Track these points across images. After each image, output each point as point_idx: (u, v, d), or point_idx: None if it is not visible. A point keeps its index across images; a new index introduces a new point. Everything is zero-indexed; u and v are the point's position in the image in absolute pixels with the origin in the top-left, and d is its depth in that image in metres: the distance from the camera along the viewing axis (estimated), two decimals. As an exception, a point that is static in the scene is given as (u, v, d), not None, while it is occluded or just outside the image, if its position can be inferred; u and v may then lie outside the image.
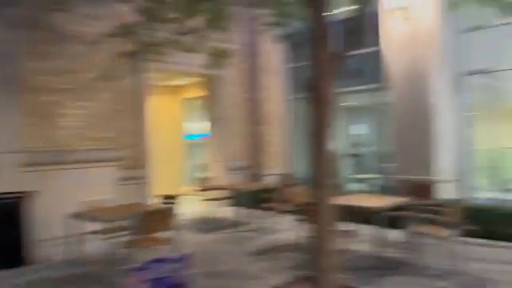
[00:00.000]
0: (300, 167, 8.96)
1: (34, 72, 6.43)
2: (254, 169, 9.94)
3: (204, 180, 8.71)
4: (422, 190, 6.31)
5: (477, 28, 6.78)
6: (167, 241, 4.91)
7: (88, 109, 6.99)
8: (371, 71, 8.02)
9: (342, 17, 6.27)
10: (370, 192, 7.69)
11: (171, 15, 4.71)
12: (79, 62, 6.83)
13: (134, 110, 7.70)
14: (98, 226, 5.20)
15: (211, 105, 9.97)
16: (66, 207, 5.97)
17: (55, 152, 6.58)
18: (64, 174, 6.61)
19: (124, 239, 5.00)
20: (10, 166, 6.03)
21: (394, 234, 5.80)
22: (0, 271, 5.18)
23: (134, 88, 7.69)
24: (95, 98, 7.07)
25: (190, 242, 6.15)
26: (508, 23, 6.31)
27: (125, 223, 5.16)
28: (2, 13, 6.00)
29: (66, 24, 6.67)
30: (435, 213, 4.99)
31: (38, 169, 6.31)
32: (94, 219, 5.00)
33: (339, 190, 5.94)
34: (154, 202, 7.17)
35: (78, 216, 5.19)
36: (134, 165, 7.63)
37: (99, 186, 6.75)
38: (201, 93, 10.64)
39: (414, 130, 7.21)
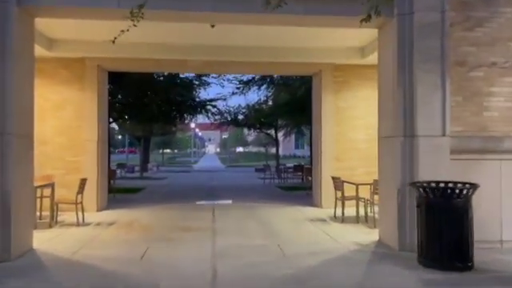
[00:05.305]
0: None
1: (461, 43, 5.48)
2: None
3: None
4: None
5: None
6: None
7: (519, 86, 5.59)
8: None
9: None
10: None
11: None
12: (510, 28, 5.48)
13: None
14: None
15: None
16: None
17: (481, 138, 5.48)
18: (490, 164, 5.44)
19: None
20: (439, 151, 5.27)
21: None
22: (442, 273, 4.41)
23: None
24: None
25: None
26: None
27: None
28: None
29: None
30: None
31: (462, 157, 5.34)
32: None
33: None
34: None
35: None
36: None
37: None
38: None
39: None
